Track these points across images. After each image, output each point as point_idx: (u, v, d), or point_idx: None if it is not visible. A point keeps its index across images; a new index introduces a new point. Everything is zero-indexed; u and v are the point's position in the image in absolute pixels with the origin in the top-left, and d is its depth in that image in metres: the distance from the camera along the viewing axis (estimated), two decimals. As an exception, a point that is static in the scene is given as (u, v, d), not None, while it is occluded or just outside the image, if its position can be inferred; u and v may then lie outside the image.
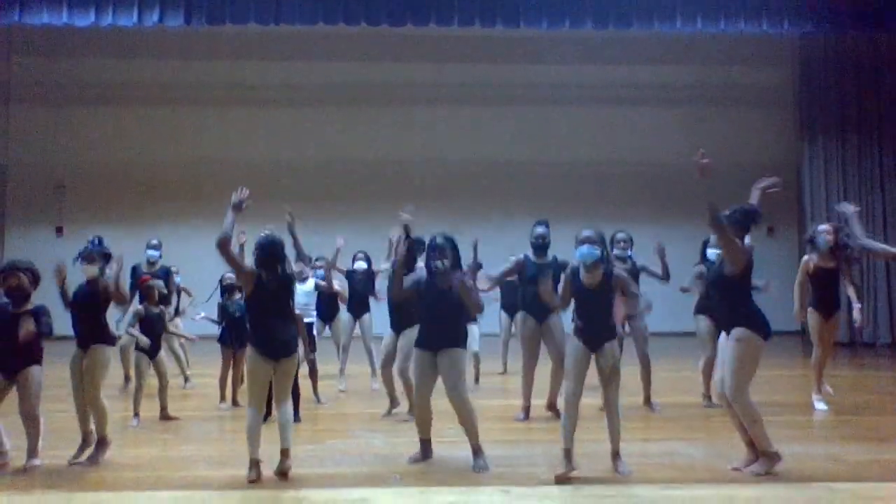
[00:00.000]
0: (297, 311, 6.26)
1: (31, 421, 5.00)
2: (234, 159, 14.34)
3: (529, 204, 13.59)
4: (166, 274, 7.91)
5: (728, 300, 4.86)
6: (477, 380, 8.43)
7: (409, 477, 4.82)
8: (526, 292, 6.50)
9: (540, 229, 6.57)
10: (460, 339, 5.11)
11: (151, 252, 8.10)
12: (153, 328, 6.67)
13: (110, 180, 14.26)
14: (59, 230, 14.14)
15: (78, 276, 5.36)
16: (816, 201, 13.70)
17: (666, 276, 6.95)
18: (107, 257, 5.46)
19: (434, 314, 5.05)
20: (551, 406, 6.57)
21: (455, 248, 5.08)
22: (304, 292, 7.13)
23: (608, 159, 14.72)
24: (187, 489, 4.58)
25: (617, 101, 14.89)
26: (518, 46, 14.34)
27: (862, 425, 6.31)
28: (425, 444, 5.23)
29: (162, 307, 6.92)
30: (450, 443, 5.50)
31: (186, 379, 8.31)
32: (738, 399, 4.73)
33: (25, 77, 14.32)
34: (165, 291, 7.15)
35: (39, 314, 4.99)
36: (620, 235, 7.05)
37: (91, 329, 5.28)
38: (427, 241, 5.21)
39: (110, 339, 5.39)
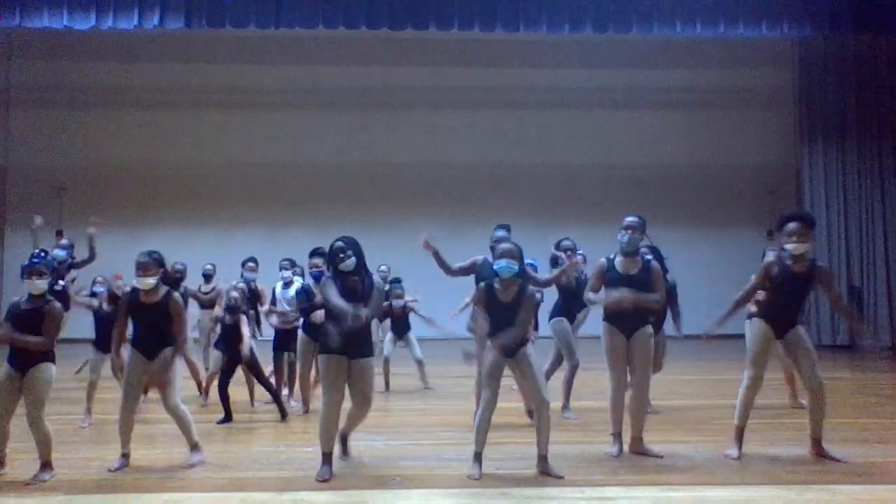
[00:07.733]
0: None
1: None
2: (233, 162, 14.38)
3: (529, 207, 13.63)
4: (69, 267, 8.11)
5: (798, 301, 5.32)
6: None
7: (409, 480, 4.81)
8: None
9: (499, 233, 6.19)
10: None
11: (59, 252, 8.08)
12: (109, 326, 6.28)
13: (110, 183, 14.27)
14: (59, 233, 14.12)
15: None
16: (816, 203, 13.69)
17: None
18: (54, 271, 5.02)
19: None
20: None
21: (357, 246, 4.86)
22: (291, 297, 7.11)
23: (608, 163, 14.73)
24: (186, 492, 4.57)
25: (617, 105, 14.90)
26: (518, 50, 14.36)
27: (862, 428, 6.30)
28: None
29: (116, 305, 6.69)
30: (450, 445, 5.49)
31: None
32: None
33: (26, 79, 14.33)
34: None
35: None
36: (566, 243, 6.93)
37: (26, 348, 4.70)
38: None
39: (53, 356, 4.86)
